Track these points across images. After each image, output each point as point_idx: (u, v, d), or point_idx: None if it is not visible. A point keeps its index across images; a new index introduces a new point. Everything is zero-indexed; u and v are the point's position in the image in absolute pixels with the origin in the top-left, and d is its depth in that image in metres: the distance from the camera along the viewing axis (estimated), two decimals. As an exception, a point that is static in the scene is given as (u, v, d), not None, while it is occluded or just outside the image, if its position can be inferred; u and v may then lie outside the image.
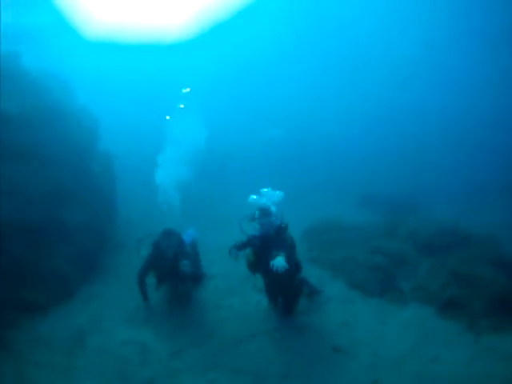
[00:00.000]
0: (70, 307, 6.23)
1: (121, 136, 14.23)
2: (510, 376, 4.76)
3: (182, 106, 8.86)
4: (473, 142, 19.09)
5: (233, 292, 6.96)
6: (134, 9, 20.46)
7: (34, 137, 7.23)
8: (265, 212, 5.65)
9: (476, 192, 13.79)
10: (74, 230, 7.45)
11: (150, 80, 20.98)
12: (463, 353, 5.25)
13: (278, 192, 6.10)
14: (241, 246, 5.79)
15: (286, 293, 5.92)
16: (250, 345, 5.38)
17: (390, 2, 21.49)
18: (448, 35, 21.97)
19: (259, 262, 5.60)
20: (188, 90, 9.14)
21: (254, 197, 5.92)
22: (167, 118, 8.70)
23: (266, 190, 6.10)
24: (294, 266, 5.56)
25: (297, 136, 19.63)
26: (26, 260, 6.30)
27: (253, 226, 5.79)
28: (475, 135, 19.56)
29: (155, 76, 21.22)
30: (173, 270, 6.11)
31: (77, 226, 7.55)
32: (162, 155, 8.12)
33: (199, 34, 22.78)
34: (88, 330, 5.59)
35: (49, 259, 6.65)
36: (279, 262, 4.80)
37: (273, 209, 5.76)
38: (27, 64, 8.64)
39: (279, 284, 5.71)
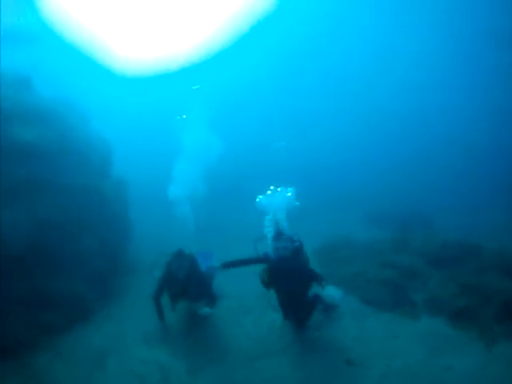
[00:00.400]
0: (88, 328, 6.40)
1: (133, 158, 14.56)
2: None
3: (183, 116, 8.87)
4: (481, 151, 19.36)
5: (247, 311, 7.05)
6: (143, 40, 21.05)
7: (50, 165, 7.50)
8: (280, 236, 5.76)
9: (484, 202, 13.93)
10: (88, 254, 7.65)
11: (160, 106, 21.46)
12: (475, 360, 5.35)
13: (289, 189, 6.29)
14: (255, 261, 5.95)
15: (300, 308, 5.97)
16: (266, 361, 5.48)
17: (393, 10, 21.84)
18: (456, 45, 22.23)
19: (274, 281, 5.76)
20: (198, 86, 9.06)
21: (261, 197, 6.19)
22: (184, 116, 8.58)
23: (273, 188, 6.30)
24: (313, 277, 5.67)
25: (305, 149, 19.97)
26: (45, 284, 6.49)
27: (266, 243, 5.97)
28: (483, 144, 19.80)
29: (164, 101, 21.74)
30: (184, 291, 6.18)
31: (91, 250, 7.76)
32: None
33: (206, 58, 23.28)
34: (107, 349, 5.75)
35: (66, 283, 6.83)
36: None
37: (287, 231, 5.90)
38: (41, 90, 8.92)
39: (293, 299, 5.81)
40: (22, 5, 14.70)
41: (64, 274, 6.90)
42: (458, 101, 22.74)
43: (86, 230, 7.88)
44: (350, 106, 23.67)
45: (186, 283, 6.14)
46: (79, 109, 9.96)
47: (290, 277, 5.61)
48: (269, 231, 6.12)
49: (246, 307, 7.16)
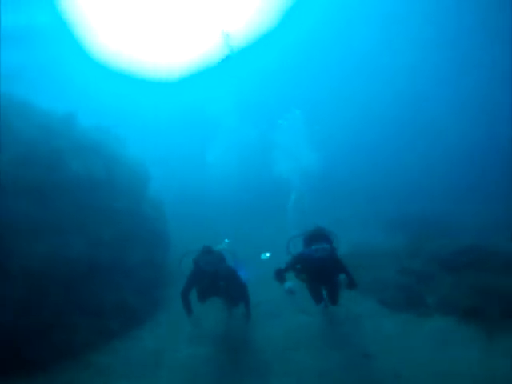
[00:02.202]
0: (140, 333, 7.42)
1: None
2: None
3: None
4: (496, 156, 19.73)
5: (276, 315, 7.97)
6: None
7: (98, 193, 8.61)
8: (318, 237, 6.25)
9: (497, 204, 14.50)
10: (136, 267, 8.72)
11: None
12: (479, 353, 6.11)
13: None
14: (287, 269, 6.49)
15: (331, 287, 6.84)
16: (294, 353, 6.40)
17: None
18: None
19: (311, 278, 6.56)
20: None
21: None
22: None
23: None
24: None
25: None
26: (101, 295, 7.56)
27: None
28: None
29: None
30: (213, 286, 6.38)
31: (138, 263, 8.83)
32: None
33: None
34: (159, 349, 6.76)
35: (118, 293, 7.89)
36: None
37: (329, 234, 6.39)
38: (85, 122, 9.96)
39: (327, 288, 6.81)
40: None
41: (116, 285, 7.97)
42: (461, 103, 23.34)
43: (132, 244, 8.96)
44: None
45: (215, 277, 6.29)
46: (118, 136, 11.09)
47: (326, 274, 6.39)
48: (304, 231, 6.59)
49: (275, 311, 8.08)
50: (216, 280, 6.31)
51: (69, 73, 18.32)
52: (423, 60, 23.76)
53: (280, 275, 6.41)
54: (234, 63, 21.21)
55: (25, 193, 7.05)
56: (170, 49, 22.50)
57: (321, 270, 6.26)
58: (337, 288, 6.79)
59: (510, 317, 6.98)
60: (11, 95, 8.41)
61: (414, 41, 23.01)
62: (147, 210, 10.18)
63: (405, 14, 22.00)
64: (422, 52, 23.49)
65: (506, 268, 8.72)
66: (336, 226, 13.06)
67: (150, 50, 22.06)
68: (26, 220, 6.81)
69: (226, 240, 8.51)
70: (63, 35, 18.46)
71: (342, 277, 6.65)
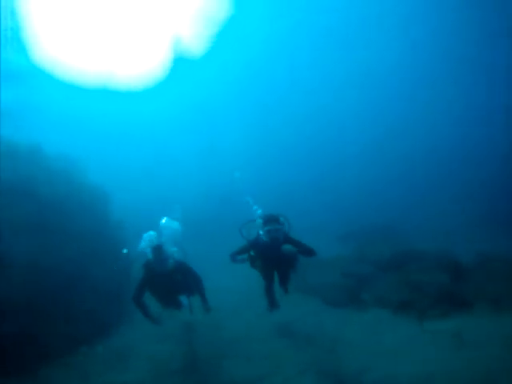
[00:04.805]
0: (109, 337, 8.24)
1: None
2: (446, 348, 6.64)
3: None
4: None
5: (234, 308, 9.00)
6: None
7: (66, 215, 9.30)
8: (271, 219, 5.94)
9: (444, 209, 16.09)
10: (100, 282, 9.36)
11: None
12: (407, 334, 7.33)
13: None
14: (240, 252, 6.24)
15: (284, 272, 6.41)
16: (247, 342, 7.46)
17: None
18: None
19: (265, 262, 6.15)
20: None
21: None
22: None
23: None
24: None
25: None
26: (72, 304, 8.18)
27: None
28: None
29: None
30: (170, 284, 6.12)
31: (102, 277, 9.46)
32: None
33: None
34: (127, 348, 7.64)
35: (87, 304, 8.51)
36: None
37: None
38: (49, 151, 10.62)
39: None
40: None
41: (84, 298, 8.60)
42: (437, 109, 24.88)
43: (97, 263, 9.60)
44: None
45: (170, 275, 6.08)
46: (78, 163, 11.75)
47: (280, 258, 5.97)
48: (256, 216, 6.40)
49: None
50: (171, 277, 6.06)
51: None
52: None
53: (233, 257, 6.30)
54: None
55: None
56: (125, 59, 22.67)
57: (274, 252, 5.91)
58: (289, 273, 6.39)
59: (436, 308, 8.22)
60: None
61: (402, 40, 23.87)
62: (109, 230, 10.85)
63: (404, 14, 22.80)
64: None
65: (435, 267, 9.99)
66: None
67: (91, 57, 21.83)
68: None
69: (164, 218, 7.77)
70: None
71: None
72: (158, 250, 5.96)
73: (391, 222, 16.38)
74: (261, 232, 5.94)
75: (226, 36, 23.65)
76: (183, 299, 6.45)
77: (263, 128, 24.53)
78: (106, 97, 22.91)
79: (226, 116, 24.76)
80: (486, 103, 23.91)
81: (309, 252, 5.96)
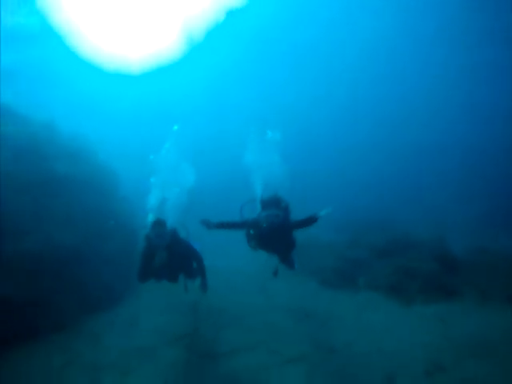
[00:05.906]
0: (120, 307, 8.86)
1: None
2: (430, 328, 7.28)
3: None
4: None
5: (233, 287, 9.51)
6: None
7: (80, 193, 9.84)
8: (270, 202, 5.98)
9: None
10: (111, 255, 9.95)
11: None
12: (395, 315, 7.94)
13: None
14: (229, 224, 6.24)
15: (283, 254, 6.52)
16: (245, 318, 8.03)
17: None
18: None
19: (263, 244, 6.26)
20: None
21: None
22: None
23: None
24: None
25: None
26: (86, 276, 8.77)
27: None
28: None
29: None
30: (170, 261, 6.05)
31: (114, 252, 10.05)
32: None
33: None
34: (136, 317, 8.24)
35: (100, 276, 9.11)
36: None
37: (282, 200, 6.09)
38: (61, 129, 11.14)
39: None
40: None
41: (97, 271, 9.19)
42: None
43: (108, 238, 10.18)
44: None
45: (171, 251, 6.03)
46: (90, 143, 12.26)
47: (278, 241, 6.13)
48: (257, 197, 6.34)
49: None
50: (170, 251, 6.04)
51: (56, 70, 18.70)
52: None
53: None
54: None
55: (18, 191, 8.21)
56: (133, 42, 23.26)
57: (272, 237, 6.05)
58: (289, 254, 6.53)
59: (424, 292, 8.83)
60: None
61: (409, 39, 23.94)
62: (119, 207, 11.42)
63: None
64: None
65: (428, 256, 10.47)
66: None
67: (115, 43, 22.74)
68: (21, 213, 7.99)
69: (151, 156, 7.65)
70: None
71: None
72: (157, 224, 5.96)
73: (389, 216, 16.88)
74: (262, 214, 5.97)
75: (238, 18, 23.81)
76: (181, 277, 6.52)
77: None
78: (116, 78, 23.53)
79: (236, 98, 24.93)
80: (488, 100, 24.10)
81: (309, 222, 6.05)
